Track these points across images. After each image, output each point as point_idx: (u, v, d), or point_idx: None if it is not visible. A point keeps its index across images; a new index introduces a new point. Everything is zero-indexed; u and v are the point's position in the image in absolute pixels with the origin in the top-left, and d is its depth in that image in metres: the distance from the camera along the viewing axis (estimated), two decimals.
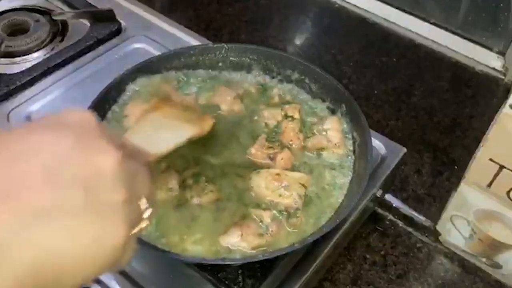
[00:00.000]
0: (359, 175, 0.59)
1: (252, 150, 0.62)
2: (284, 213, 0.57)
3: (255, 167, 0.61)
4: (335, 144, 0.63)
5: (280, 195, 0.58)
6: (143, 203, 0.37)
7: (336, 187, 0.60)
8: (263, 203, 0.58)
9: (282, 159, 0.61)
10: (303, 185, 0.59)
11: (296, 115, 0.66)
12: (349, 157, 0.63)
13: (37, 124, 0.34)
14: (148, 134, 0.52)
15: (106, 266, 0.33)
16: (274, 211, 0.57)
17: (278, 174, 0.59)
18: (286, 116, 0.66)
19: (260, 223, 0.56)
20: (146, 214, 0.37)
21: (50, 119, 0.35)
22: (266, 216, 0.56)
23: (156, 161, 0.48)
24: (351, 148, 0.64)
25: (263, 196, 0.58)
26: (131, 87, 0.67)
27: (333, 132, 0.64)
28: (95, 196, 0.32)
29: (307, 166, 0.62)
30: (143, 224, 0.37)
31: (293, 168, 0.61)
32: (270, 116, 0.66)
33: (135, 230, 0.36)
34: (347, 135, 0.65)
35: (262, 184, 0.58)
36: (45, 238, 0.30)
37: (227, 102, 0.67)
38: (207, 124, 0.59)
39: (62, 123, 0.34)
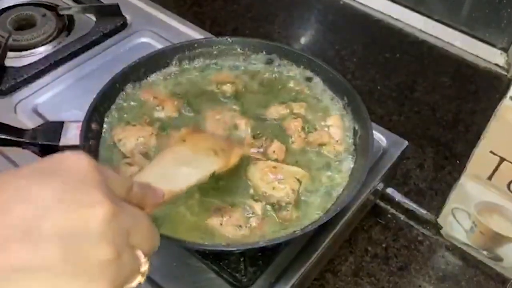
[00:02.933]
0: (360, 165, 0.59)
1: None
2: (276, 206, 0.57)
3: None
4: (337, 141, 0.64)
5: (273, 188, 0.58)
6: (141, 257, 0.35)
7: (335, 182, 0.61)
8: (257, 194, 0.58)
9: (274, 151, 0.62)
10: (298, 180, 0.59)
11: (302, 112, 0.66)
12: (350, 154, 0.63)
13: (26, 170, 0.32)
14: (168, 170, 0.49)
15: None
16: (266, 204, 0.57)
17: (274, 167, 0.59)
18: (291, 113, 0.66)
19: (246, 215, 0.56)
20: (142, 269, 0.35)
21: (42, 163, 0.33)
22: (257, 207, 0.57)
23: (174, 199, 0.46)
24: (352, 144, 0.64)
25: (257, 187, 0.58)
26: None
27: (335, 129, 0.65)
28: (76, 254, 0.30)
29: (306, 160, 0.62)
30: (137, 280, 0.34)
31: (291, 162, 0.61)
32: (275, 112, 0.67)
33: (128, 286, 0.34)
34: (347, 131, 0.65)
35: (257, 175, 0.59)
36: None
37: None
38: (235, 156, 0.58)
39: (53, 170, 0.32)
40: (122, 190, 0.36)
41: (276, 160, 0.61)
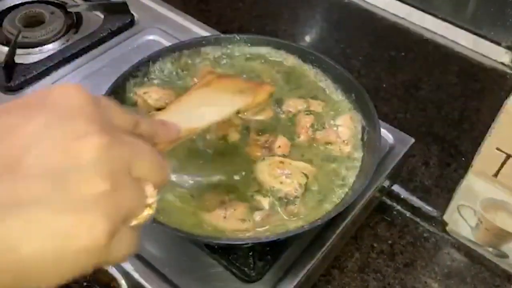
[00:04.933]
0: (367, 162, 0.60)
1: (246, 149, 0.62)
2: (284, 200, 0.58)
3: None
4: (344, 141, 0.64)
5: (281, 182, 0.58)
6: (149, 189, 0.33)
7: (342, 178, 0.61)
8: (264, 189, 0.59)
9: (279, 146, 0.62)
10: (305, 174, 0.59)
11: (319, 110, 0.67)
12: (357, 151, 0.64)
13: (11, 105, 0.31)
14: (188, 110, 0.49)
15: (83, 265, 0.29)
16: (273, 199, 0.58)
17: (281, 162, 0.60)
18: (308, 109, 0.67)
19: (251, 209, 0.56)
20: (150, 201, 0.33)
21: (28, 98, 0.31)
22: (265, 202, 0.57)
23: (190, 137, 0.46)
24: (360, 141, 0.64)
25: (265, 182, 0.59)
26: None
27: (344, 128, 0.65)
28: (65, 188, 0.28)
29: (312, 157, 0.63)
30: (146, 213, 0.33)
31: (297, 156, 0.62)
32: (292, 105, 0.67)
33: (136, 221, 0.32)
34: (356, 131, 0.65)
35: (265, 170, 0.59)
36: (4, 234, 0.27)
37: None
38: (264, 92, 0.56)
39: (40, 104, 0.30)
40: (126, 125, 0.34)
41: (283, 155, 0.62)
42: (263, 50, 0.73)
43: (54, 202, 0.28)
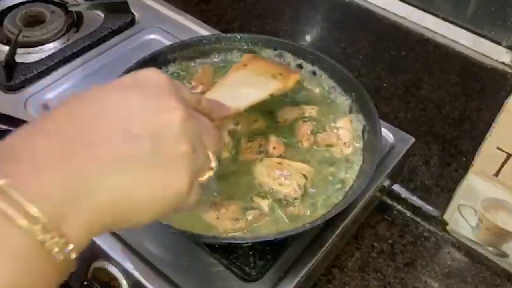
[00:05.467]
0: (368, 160, 0.60)
1: (240, 158, 0.62)
2: (284, 201, 0.58)
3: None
4: (345, 143, 0.64)
5: (280, 184, 0.58)
6: (211, 156, 0.41)
7: (342, 178, 0.61)
8: (263, 190, 0.59)
9: (274, 147, 0.62)
10: (304, 175, 0.59)
11: (313, 115, 0.67)
12: (358, 151, 0.64)
13: (113, 85, 0.38)
14: (231, 90, 0.55)
15: (170, 208, 0.38)
16: (272, 200, 0.58)
17: (280, 163, 0.60)
18: (303, 117, 0.67)
19: (247, 210, 0.56)
20: (212, 164, 0.41)
21: (124, 79, 0.39)
22: (264, 204, 0.57)
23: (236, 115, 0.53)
24: (361, 141, 0.64)
25: (263, 183, 0.59)
26: None
27: (344, 131, 0.65)
28: (160, 148, 0.36)
29: (312, 158, 0.63)
30: (207, 175, 0.41)
31: (297, 159, 0.62)
32: (286, 113, 0.67)
33: (201, 178, 0.41)
34: (357, 132, 0.65)
35: (263, 172, 0.59)
36: (119, 182, 0.34)
37: None
38: (293, 80, 0.62)
39: (135, 84, 0.38)
40: (193, 102, 0.42)
41: (280, 156, 0.62)
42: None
43: (154, 159, 0.36)
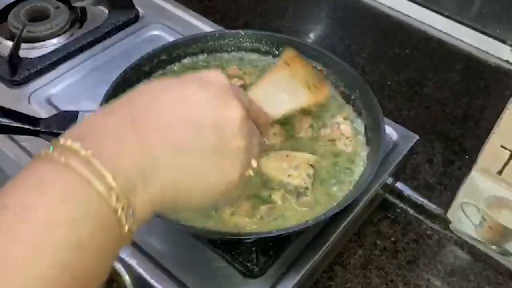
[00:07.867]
0: (372, 157, 0.60)
1: None
2: (294, 192, 0.58)
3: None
4: (347, 138, 0.64)
5: (289, 175, 0.59)
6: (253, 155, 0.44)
7: (347, 174, 0.61)
8: (273, 184, 0.59)
9: (274, 134, 0.62)
10: (311, 165, 0.60)
11: (316, 111, 0.67)
12: (360, 150, 0.64)
13: (186, 80, 0.42)
14: (271, 92, 0.55)
15: (222, 195, 0.41)
16: (284, 192, 0.58)
17: (287, 155, 0.60)
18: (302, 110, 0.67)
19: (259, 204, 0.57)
20: (254, 164, 0.44)
21: (194, 76, 0.42)
22: (276, 196, 0.58)
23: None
24: (364, 137, 0.64)
25: (272, 177, 0.59)
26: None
27: (345, 126, 0.65)
28: (222, 141, 0.39)
29: (318, 152, 0.63)
30: (249, 172, 0.44)
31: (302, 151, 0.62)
32: None
33: (246, 174, 0.43)
34: (359, 127, 0.66)
35: (271, 165, 0.60)
36: (183, 164, 0.38)
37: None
38: (323, 96, 0.61)
39: (203, 81, 0.41)
40: (246, 103, 0.45)
41: (281, 145, 0.62)
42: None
43: (216, 149, 0.39)
